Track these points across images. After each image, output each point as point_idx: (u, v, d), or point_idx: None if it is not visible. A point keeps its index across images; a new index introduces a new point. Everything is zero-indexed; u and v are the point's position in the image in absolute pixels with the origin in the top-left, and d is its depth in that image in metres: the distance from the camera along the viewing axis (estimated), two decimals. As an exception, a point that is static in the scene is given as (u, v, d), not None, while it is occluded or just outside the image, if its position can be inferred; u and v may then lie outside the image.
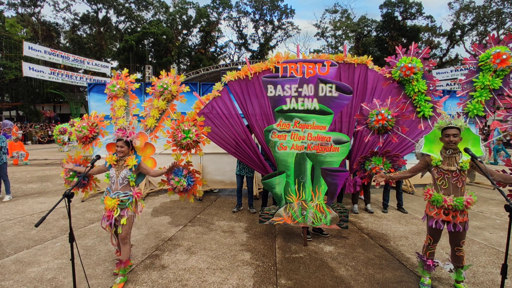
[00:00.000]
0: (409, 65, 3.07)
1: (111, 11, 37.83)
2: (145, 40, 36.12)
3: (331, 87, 3.61)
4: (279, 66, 3.72)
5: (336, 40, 40.95)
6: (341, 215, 3.71)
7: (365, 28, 39.14)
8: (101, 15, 37.38)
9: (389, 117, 3.18)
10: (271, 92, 3.75)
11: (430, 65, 3.13)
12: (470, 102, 2.85)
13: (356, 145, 4.97)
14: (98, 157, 2.71)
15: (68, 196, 2.13)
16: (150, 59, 36.90)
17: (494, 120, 2.90)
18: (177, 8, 40.88)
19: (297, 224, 3.77)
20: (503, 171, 2.61)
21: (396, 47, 3.36)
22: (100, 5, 36.63)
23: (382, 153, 3.60)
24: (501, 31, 33.15)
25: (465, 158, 2.59)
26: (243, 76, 4.66)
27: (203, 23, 40.36)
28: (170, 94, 3.47)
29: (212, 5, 41.28)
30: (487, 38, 2.94)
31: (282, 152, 3.73)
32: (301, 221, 3.73)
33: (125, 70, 3.64)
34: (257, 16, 41.59)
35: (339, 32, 40.58)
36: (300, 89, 3.65)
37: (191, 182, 3.25)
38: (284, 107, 3.69)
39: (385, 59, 3.43)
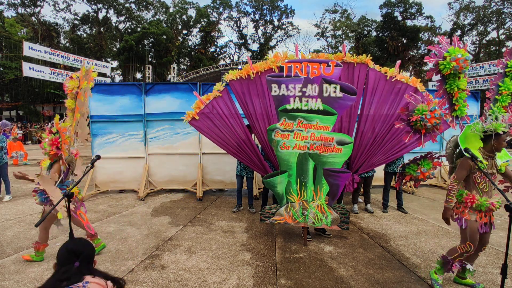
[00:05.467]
0: (464, 57, 2.78)
1: (111, 11, 37.84)
2: (145, 40, 36.11)
3: (335, 88, 3.60)
4: (283, 65, 3.70)
5: (336, 40, 40.96)
6: (342, 216, 3.71)
7: (365, 28, 39.14)
8: (101, 15, 37.40)
9: (441, 115, 2.95)
10: (275, 91, 3.74)
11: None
12: (494, 105, 2.77)
13: (356, 145, 4.97)
14: (98, 157, 2.71)
15: (68, 196, 2.13)
16: (150, 59, 36.90)
17: None
18: (177, 8, 40.88)
19: (298, 224, 3.77)
20: None
21: (439, 36, 3.09)
22: (100, 5, 36.63)
23: (428, 157, 3.43)
24: (501, 31, 33.15)
25: (500, 161, 2.56)
26: (245, 75, 4.66)
27: (203, 23, 40.36)
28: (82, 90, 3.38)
29: (212, 5, 41.28)
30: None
31: (284, 151, 3.72)
32: (302, 221, 3.73)
33: (83, 68, 3.47)
34: (257, 16, 41.61)
35: (339, 32, 40.59)
36: (304, 89, 3.64)
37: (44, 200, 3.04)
38: (288, 107, 3.68)
39: (428, 47, 3.09)
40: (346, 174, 3.71)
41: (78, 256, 1.51)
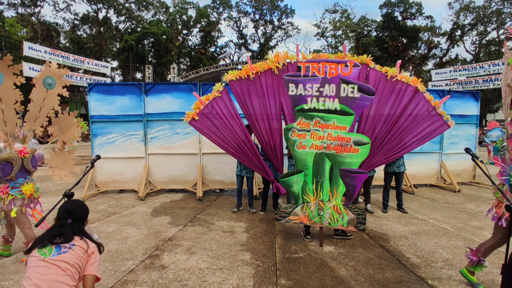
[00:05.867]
0: None
1: (111, 11, 37.84)
2: (145, 40, 36.13)
3: (353, 88, 3.58)
4: (301, 65, 3.68)
5: (336, 40, 40.97)
6: (359, 217, 3.65)
7: (365, 28, 39.15)
8: (101, 15, 37.41)
9: None
10: (292, 90, 3.71)
11: None
12: None
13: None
14: (98, 157, 2.70)
15: (68, 196, 2.13)
16: (150, 59, 36.90)
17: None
18: (177, 8, 40.88)
19: (314, 224, 3.72)
20: None
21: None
22: (100, 5, 36.63)
23: None
24: (501, 31, 33.11)
25: None
26: (244, 75, 4.66)
27: (203, 23, 40.36)
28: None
29: (212, 5, 41.30)
30: None
31: (301, 151, 3.69)
32: (318, 221, 3.68)
33: (53, 64, 3.26)
34: (257, 16, 41.63)
35: (339, 32, 40.60)
36: (321, 89, 3.61)
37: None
38: (305, 106, 3.66)
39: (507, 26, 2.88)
40: (362, 174, 3.66)
41: (71, 214, 1.83)
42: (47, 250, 1.63)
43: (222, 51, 44.91)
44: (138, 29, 37.08)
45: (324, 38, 42.00)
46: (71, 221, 1.82)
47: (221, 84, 4.79)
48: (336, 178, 3.65)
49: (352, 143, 3.59)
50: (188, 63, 42.22)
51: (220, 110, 4.74)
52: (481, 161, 2.51)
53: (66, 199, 2.10)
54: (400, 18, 35.58)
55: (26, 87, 3.11)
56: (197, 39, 42.56)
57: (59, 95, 3.36)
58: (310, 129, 3.65)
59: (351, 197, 3.68)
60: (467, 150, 2.53)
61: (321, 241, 3.77)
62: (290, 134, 3.72)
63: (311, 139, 3.65)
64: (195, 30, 41.70)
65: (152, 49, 37.10)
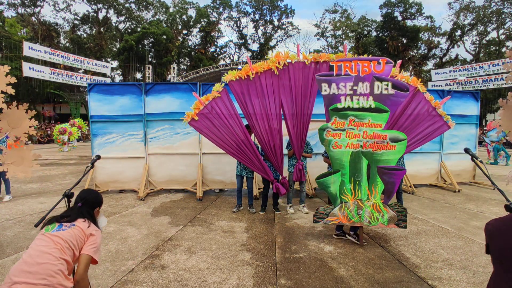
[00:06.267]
0: None
1: (111, 11, 37.85)
2: (145, 40, 36.13)
3: (387, 85, 3.55)
4: (333, 64, 3.66)
5: (336, 40, 40.97)
6: (399, 214, 3.62)
7: (365, 28, 39.15)
8: (101, 15, 37.41)
9: None
10: (325, 90, 3.67)
11: None
12: None
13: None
14: (98, 157, 2.70)
15: (68, 196, 2.13)
16: (150, 59, 36.91)
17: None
18: (177, 8, 40.89)
19: (353, 224, 3.68)
20: None
21: None
22: (100, 5, 36.63)
23: None
24: (501, 31, 33.13)
25: None
26: (244, 75, 4.66)
27: (203, 23, 40.37)
28: None
29: (212, 5, 41.30)
30: None
31: (336, 150, 3.65)
32: (357, 221, 3.65)
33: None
34: (257, 16, 41.63)
35: (339, 32, 40.60)
36: (355, 87, 3.59)
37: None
38: (339, 105, 3.63)
39: None
40: (401, 171, 3.63)
41: (82, 199, 1.99)
42: (51, 226, 1.77)
43: (222, 51, 44.95)
44: (138, 29, 37.09)
45: (324, 38, 42.02)
46: (81, 205, 1.95)
47: (221, 84, 4.79)
48: (374, 176, 3.61)
49: (388, 140, 3.56)
50: (188, 63, 42.22)
51: (220, 110, 4.74)
52: (481, 161, 2.51)
53: (66, 199, 2.10)
54: (400, 18, 35.59)
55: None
56: (197, 39, 42.59)
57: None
58: (345, 128, 3.62)
59: (390, 194, 3.63)
60: (467, 150, 2.53)
61: (361, 240, 3.73)
62: (325, 134, 3.67)
63: (347, 138, 3.62)
64: (195, 30, 41.73)
65: (152, 49, 37.10)
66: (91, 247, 1.78)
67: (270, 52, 5.42)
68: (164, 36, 35.66)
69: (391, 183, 3.59)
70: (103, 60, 34.29)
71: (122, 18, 39.32)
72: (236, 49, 44.59)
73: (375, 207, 3.62)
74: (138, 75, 37.70)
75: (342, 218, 3.67)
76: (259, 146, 5.13)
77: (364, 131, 3.59)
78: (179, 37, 40.60)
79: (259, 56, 40.18)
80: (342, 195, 3.69)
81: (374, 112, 3.58)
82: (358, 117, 3.60)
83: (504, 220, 1.40)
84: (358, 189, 3.65)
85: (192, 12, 40.90)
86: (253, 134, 5.15)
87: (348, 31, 39.45)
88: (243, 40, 43.24)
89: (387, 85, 3.55)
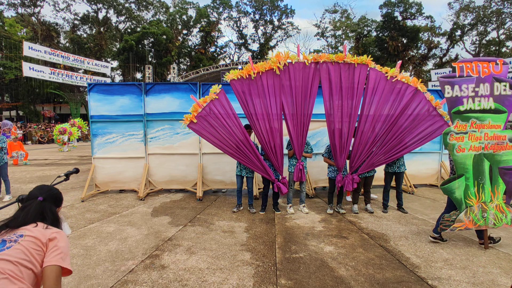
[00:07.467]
0: None
1: (111, 11, 37.84)
2: (145, 40, 36.12)
3: (505, 86, 3.56)
4: (455, 65, 3.65)
5: (336, 40, 40.97)
6: None
7: (365, 28, 39.14)
8: (101, 15, 37.41)
9: None
10: (448, 93, 3.64)
11: None
12: None
13: (356, 144, 4.98)
14: (77, 170, 2.23)
15: (22, 200, 1.79)
16: (150, 59, 36.90)
17: None
18: (177, 8, 40.89)
19: (479, 228, 3.63)
20: None
21: None
22: (100, 5, 36.63)
23: None
24: (501, 31, 33.12)
25: None
26: (246, 75, 4.66)
27: (203, 23, 40.36)
28: None
29: (212, 5, 41.29)
30: None
31: (460, 154, 3.62)
32: (483, 224, 3.59)
33: None
34: (257, 16, 41.61)
35: (339, 32, 40.59)
36: (477, 89, 3.58)
37: None
38: (461, 108, 3.61)
39: None
40: None
41: (43, 193, 1.53)
42: None
43: (222, 51, 44.93)
44: (138, 29, 37.08)
45: (324, 38, 42.00)
46: (42, 199, 1.49)
47: (218, 86, 4.79)
48: (496, 178, 3.59)
49: (507, 140, 3.56)
50: (188, 63, 42.21)
51: (218, 111, 4.75)
52: None
53: (19, 204, 1.71)
54: (400, 18, 35.57)
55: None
56: (197, 39, 42.56)
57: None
58: (467, 131, 3.60)
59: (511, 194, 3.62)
60: None
61: (486, 243, 3.64)
62: (448, 138, 3.64)
63: (469, 141, 3.60)
64: (195, 30, 41.71)
65: (152, 49, 37.09)
66: (55, 254, 1.32)
67: (270, 52, 5.42)
68: (164, 36, 35.65)
69: None
70: (103, 60, 34.29)
71: (122, 18, 39.33)
72: (236, 49, 44.60)
73: (498, 208, 3.59)
74: (138, 75, 37.69)
75: (468, 223, 3.61)
76: (259, 146, 5.13)
77: (485, 133, 3.58)
78: (179, 37, 40.59)
79: (259, 56, 40.18)
80: (467, 200, 3.63)
81: (494, 113, 3.58)
82: (479, 119, 3.58)
83: None
84: (482, 192, 3.61)
85: (192, 12, 40.92)
86: (253, 134, 5.15)
87: (348, 31, 39.44)
88: (243, 40, 43.24)
89: (505, 86, 3.56)
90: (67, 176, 2.04)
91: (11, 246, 1.26)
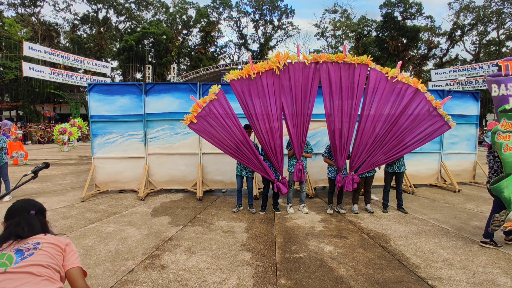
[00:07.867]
0: None
1: (111, 11, 37.85)
2: (145, 40, 36.13)
3: None
4: (501, 64, 3.62)
5: (336, 40, 40.98)
6: None
7: (365, 28, 39.16)
8: (101, 15, 37.43)
9: None
10: (495, 91, 3.61)
11: None
12: None
13: (356, 144, 4.98)
14: (47, 165, 2.04)
15: (35, 172, 1.88)
16: (150, 59, 36.91)
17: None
18: (177, 8, 40.89)
19: None
20: None
21: None
22: (100, 5, 36.64)
23: None
24: (501, 31, 33.12)
25: None
26: (246, 75, 4.66)
27: (203, 23, 40.37)
28: None
29: (212, 5, 41.31)
30: None
31: (507, 153, 3.54)
32: None
33: None
34: (257, 16, 41.64)
35: (339, 32, 40.61)
36: None
37: None
38: (507, 107, 3.55)
39: None
40: None
41: (34, 207, 1.56)
42: (5, 259, 1.29)
43: (222, 51, 44.95)
44: (138, 29, 37.09)
45: (324, 38, 42.02)
46: (34, 212, 1.52)
47: (217, 86, 4.79)
48: None
49: None
50: (188, 63, 42.23)
51: (217, 111, 4.75)
52: None
53: (33, 177, 1.85)
54: (400, 18, 35.58)
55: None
56: (197, 39, 42.58)
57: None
58: None
59: None
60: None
61: None
62: (496, 138, 3.59)
63: None
64: (195, 30, 41.73)
65: (152, 49, 37.10)
66: (75, 257, 1.48)
67: (270, 52, 5.43)
68: (164, 36, 35.66)
69: None
70: (103, 60, 34.29)
71: (122, 18, 39.34)
72: (236, 49, 44.64)
73: None
74: (138, 75, 37.70)
75: None
76: (259, 146, 5.13)
77: None
78: (179, 37, 40.60)
79: (259, 56, 40.19)
80: None
81: None
82: None
83: None
84: None
85: (192, 12, 40.94)
86: (253, 134, 5.15)
87: (348, 31, 39.45)
88: (243, 40, 43.25)
89: None
90: (35, 173, 1.91)
91: (33, 253, 1.33)
